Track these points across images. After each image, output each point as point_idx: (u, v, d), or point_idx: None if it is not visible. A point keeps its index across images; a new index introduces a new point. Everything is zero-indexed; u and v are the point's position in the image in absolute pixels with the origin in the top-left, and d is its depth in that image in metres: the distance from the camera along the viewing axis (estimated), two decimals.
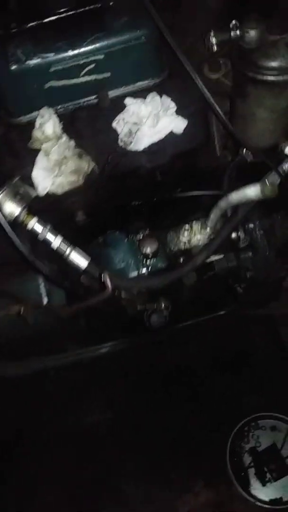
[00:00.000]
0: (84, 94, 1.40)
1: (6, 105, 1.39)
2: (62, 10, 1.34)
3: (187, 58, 1.24)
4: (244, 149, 1.43)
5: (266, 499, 2.38)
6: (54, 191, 1.33)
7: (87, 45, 1.29)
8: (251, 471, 2.46)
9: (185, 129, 1.37)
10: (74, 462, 2.40)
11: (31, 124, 1.40)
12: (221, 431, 2.56)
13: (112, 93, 1.39)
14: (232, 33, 1.11)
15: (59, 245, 1.29)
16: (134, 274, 1.44)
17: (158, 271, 1.45)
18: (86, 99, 1.40)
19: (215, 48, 1.13)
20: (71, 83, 1.35)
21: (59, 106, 1.40)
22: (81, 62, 1.31)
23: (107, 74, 1.36)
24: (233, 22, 1.10)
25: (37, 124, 1.37)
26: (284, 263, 1.63)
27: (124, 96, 1.41)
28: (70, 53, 1.30)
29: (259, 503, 2.37)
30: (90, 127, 1.37)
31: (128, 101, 1.38)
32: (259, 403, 2.58)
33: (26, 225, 1.29)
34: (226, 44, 1.13)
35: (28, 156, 1.39)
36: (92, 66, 1.33)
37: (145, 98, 1.38)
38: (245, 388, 2.62)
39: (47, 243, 1.30)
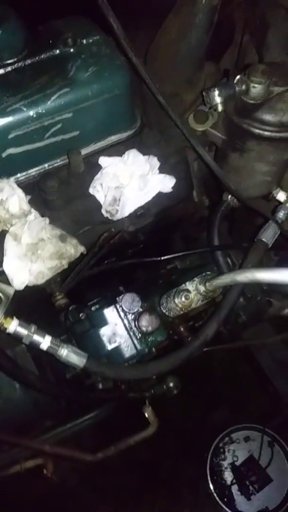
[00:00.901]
0: (49, 158, 1.16)
1: None
2: (11, 60, 1.07)
3: (171, 107, 1.07)
4: (229, 196, 1.32)
5: None
6: (34, 283, 1.09)
7: (52, 103, 1.05)
8: (234, 488, 2.46)
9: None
10: None
11: None
12: (196, 454, 2.52)
13: (81, 152, 1.17)
14: (237, 89, 0.96)
15: (49, 346, 1.08)
16: (132, 353, 1.27)
17: (158, 345, 1.29)
18: (51, 162, 1.17)
19: (220, 107, 0.97)
20: (34, 147, 1.11)
21: (19, 175, 1.15)
22: (46, 123, 1.08)
23: (76, 133, 1.14)
24: (239, 76, 0.95)
25: None
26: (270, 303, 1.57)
27: (94, 153, 1.20)
28: (32, 114, 1.05)
29: None
30: (62, 196, 1.14)
31: (103, 161, 1.17)
32: (228, 418, 2.58)
33: (5, 329, 1.05)
34: (230, 100, 0.98)
35: None
36: (58, 126, 1.09)
37: (120, 155, 1.18)
38: (211, 405, 2.60)
39: (34, 345, 1.08)
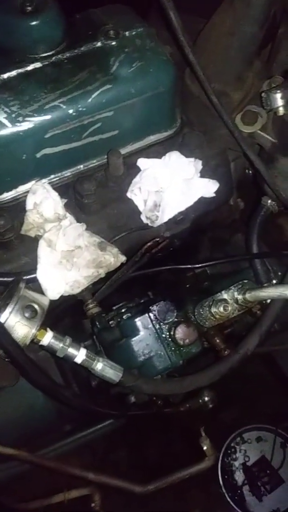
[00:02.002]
0: (85, 158, 1.08)
1: None
2: (49, 53, 0.99)
3: (224, 108, 0.99)
4: (269, 200, 1.25)
5: None
6: (70, 292, 1.02)
7: (92, 100, 0.97)
8: (246, 488, 2.43)
9: None
10: None
11: (18, 203, 1.06)
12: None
13: None
14: None
15: (84, 359, 1.02)
16: (165, 365, 1.20)
17: (192, 357, 1.23)
18: (86, 163, 1.09)
19: (282, 111, 0.89)
20: (70, 147, 1.03)
21: (53, 176, 1.07)
22: (85, 122, 1.00)
23: (115, 132, 1.06)
24: None
25: (29, 203, 1.04)
26: None
27: (131, 154, 1.12)
28: (71, 112, 0.97)
29: None
30: (99, 200, 1.07)
31: (142, 163, 1.09)
32: (239, 417, 2.54)
33: (39, 341, 0.99)
34: None
35: (20, 246, 1.06)
36: (98, 125, 1.01)
37: (159, 156, 1.11)
38: (223, 405, 2.55)
39: (68, 358, 1.02)
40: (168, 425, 2.21)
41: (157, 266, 1.26)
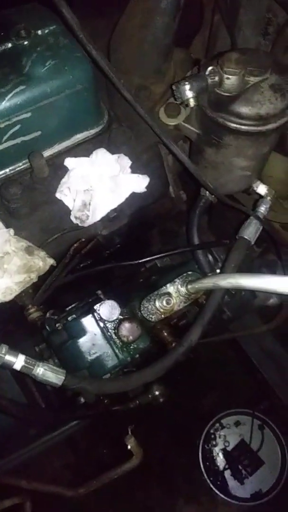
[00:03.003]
0: (9, 162, 1.06)
1: None
2: None
3: (139, 103, 0.98)
4: (207, 191, 1.24)
5: (247, 495, 2.41)
6: (2, 300, 1.01)
7: (7, 102, 0.95)
8: (227, 473, 2.46)
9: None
10: None
11: None
12: (187, 442, 2.50)
13: (45, 154, 1.08)
14: (210, 81, 0.87)
15: (23, 365, 1.01)
16: (114, 363, 1.20)
17: (141, 352, 1.23)
18: (12, 167, 1.07)
19: (192, 102, 0.88)
20: None
21: None
22: (2, 125, 0.98)
23: (37, 133, 1.04)
24: (211, 67, 0.86)
25: None
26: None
27: (59, 154, 1.11)
28: None
29: (242, 502, 2.39)
30: (27, 203, 1.05)
31: (69, 162, 1.08)
32: (217, 403, 2.56)
33: None
34: (203, 93, 0.89)
35: None
36: (17, 127, 0.99)
37: (88, 155, 1.09)
38: (199, 393, 2.57)
39: (7, 366, 1.01)
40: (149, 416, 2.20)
41: (104, 264, 1.26)
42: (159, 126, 0.97)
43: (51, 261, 1.00)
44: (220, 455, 2.50)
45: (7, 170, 1.07)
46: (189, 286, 1.19)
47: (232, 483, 2.45)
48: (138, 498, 2.42)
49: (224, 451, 2.49)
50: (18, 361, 1.01)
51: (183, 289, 1.21)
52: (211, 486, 2.43)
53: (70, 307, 1.35)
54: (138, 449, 0.96)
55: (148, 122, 0.93)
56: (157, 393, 1.19)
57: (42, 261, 0.98)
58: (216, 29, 1.36)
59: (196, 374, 2.55)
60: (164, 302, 1.20)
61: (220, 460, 2.48)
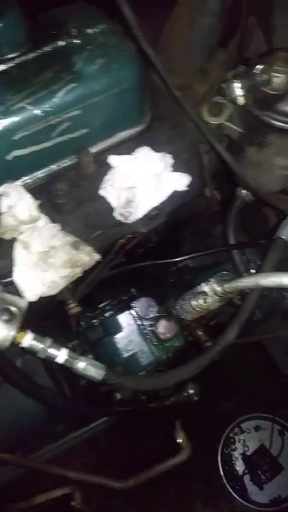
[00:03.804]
0: (56, 158, 1.08)
1: None
2: (13, 55, 0.99)
3: (186, 101, 0.99)
4: (243, 190, 1.25)
5: (266, 501, 2.38)
6: (48, 293, 1.03)
7: (58, 100, 0.97)
8: (246, 478, 2.45)
9: None
10: None
11: None
12: (207, 445, 2.50)
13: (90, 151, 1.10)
14: (259, 79, 0.89)
15: (66, 359, 1.03)
16: (149, 361, 1.21)
17: (176, 350, 1.23)
18: (59, 163, 1.09)
19: (241, 100, 0.90)
20: (41, 148, 1.03)
21: (26, 178, 1.07)
22: (53, 122, 1.00)
23: (84, 131, 1.06)
24: (258, 66, 0.88)
25: (3, 206, 1.04)
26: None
27: (103, 152, 1.13)
28: (38, 113, 0.97)
29: (260, 508, 2.37)
30: (72, 199, 1.07)
31: (113, 160, 1.09)
32: (237, 407, 2.55)
33: (19, 343, 1.00)
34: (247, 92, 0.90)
35: None
36: (66, 124, 1.02)
37: (130, 152, 1.11)
38: (220, 396, 2.56)
39: (49, 358, 1.02)
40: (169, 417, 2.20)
41: (138, 263, 1.27)
42: (204, 125, 0.99)
43: (97, 257, 1.01)
44: (240, 459, 2.48)
45: (54, 166, 1.09)
46: (226, 286, 1.20)
47: (251, 488, 2.43)
48: (155, 499, 2.42)
49: (244, 455, 2.48)
50: (61, 355, 1.03)
51: (219, 289, 1.22)
52: (230, 490, 2.41)
53: (103, 304, 1.37)
54: (188, 444, 0.96)
55: (195, 120, 0.94)
56: (191, 391, 1.20)
57: (88, 256, 1.00)
58: (250, 32, 1.38)
59: (218, 376, 2.54)
60: (201, 301, 1.21)
61: (240, 465, 2.47)
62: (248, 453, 2.47)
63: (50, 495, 0.95)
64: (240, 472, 2.44)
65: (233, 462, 2.47)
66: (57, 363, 1.08)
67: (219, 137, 1.09)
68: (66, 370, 1.34)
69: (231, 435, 2.51)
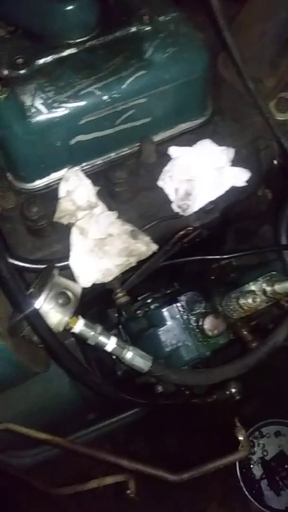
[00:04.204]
0: (116, 146, 1.08)
1: (16, 168, 1.03)
2: (83, 38, 0.98)
3: (259, 94, 0.98)
4: None
5: (283, 507, 2.36)
6: (102, 280, 1.02)
7: (127, 86, 0.96)
8: (264, 483, 2.42)
9: None
10: None
11: (51, 190, 1.06)
12: (225, 447, 2.47)
13: None
14: None
15: (115, 347, 1.02)
16: (192, 356, 1.19)
17: (219, 348, 1.22)
18: (118, 151, 1.08)
19: None
20: (103, 134, 1.02)
21: (85, 164, 1.07)
22: (119, 108, 0.99)
23: (147, 119, 1.05)
24: None
25: (62, 191, 1.03)
26: None
27: (163, 142, 1.11)
28: (105, 98, 0.96)
29: None
30: (130, 188, 1.06)
31: (174, 151, 1.08)
32: (258, 411, 2.52)
33: (70, 329, 0.99)
34: None
35: (53, 233, 1.06)
36: (131, 112, 1.01)
37: (190, 144, 1.10)
38: (242, 398, 2.53)
39: (99, 346, 1.02)
40: (188, 416, 2.20)
41: (183, 257, 1.25)
42: (274, 120, 0.97)
43: (154, 247, 1.00)
44: (258, 464, 2.46)
45: (113, 154, 1.08)
46: (276, 286, 1.17)
47: (268, 493, 2.41)
48: (172, 495, 2.41)
49: (262, 460, 2.46)
50: (110, 343, 1.02)
51: (268, 289, 1.20)
52: (246, 493, 2.40)
53: (143, 296, 1.36)
54: (247, 442, 0.95)
55: (266, 114, 0.93)
56: (234, 390, 1.18)
57: (145, 246, 0.99)
58: None
59: (241, 378, 2.52)
60: (250, 300, 1.19)
61: (257, 469, 2.45)
62: (267, 458, 2.44)
63: (104, 481, 0.95)
64: (258, 476, 2.42)
65: (251, 465, 2.45)
66: (95, 353, 1.07)
67: (285, 134, 1.07)
68: (101, 360, 1.35)
69: (250, 438, 2.49)
